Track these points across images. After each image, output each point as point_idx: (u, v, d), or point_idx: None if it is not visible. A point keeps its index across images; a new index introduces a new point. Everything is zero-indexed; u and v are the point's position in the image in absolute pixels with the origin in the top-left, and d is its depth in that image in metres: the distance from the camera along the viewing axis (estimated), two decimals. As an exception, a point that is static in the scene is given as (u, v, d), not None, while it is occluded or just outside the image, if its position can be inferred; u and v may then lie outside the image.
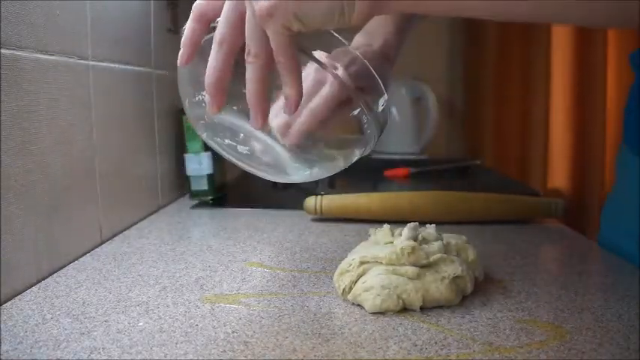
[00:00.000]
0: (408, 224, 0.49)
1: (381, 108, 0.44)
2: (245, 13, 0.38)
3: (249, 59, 0.38)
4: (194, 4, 0.41)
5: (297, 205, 0.77)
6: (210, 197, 0.86)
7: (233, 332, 0.40)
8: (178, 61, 0.43)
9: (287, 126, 0.45)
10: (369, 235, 0.53)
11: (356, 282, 0.45)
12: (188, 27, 0.41)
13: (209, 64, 0.40)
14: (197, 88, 0.43)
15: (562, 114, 1.54)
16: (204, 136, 0.46)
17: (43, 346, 0.37)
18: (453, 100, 1.61)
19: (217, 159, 0.88)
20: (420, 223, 0.50)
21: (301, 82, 0.39)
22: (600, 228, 0.73)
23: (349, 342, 0.38)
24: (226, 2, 0.39)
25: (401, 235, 0.49)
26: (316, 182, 0.85)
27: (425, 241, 0.48)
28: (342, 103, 0.45)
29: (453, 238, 0.50)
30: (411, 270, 0.44)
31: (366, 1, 0.35)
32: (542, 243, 0.68)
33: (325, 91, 0.47)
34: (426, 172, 1.10)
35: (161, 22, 0.83)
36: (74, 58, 0.57)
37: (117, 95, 0.68)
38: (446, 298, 0.44)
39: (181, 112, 0.85)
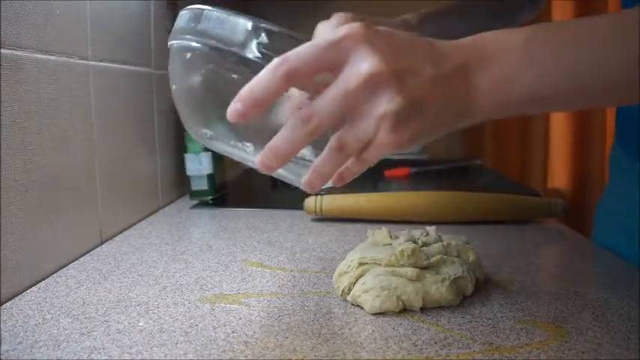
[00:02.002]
0: (407, 231, 0.49)
1: None
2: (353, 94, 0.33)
3: (312, 121, 0.33)
4: (291, 55, 0.32)
5: (297, 205, 0.77)
6: (210, 197, 0.86)
7: (233, 332, 0.40)
8: (236, 114, 0.32)
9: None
10: (367, 237, 0.53)
11: (355, 283, 0.45)
12: (268, 78, 0.32)
13: (286, 131, 0.33)
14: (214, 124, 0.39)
15: (562, 114, 1.54)
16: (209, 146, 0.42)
17: (43, 346, 0.37)
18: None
19: (217, 159, 0.88)
20: (419, 224, 0.50)
21: None
22: (594, 225, 0.73)
23: (349, 342, 0.38)
24: (344, 80, 0.32)
25: (399, 237, 0.49)
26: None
27: (425, 243, 0.48)
28: None
29: (453, 239, 0.50)
30: (410, 271, 0.44)
31: (488, 108, 0.36)
32: (542, 243, 0.68)
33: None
34: (426, 172, 1.10)
35: (161, 22, 0.83)
36: (74, 58, 0.57)
37: (117, 95, 0.68)
38: (446, 300, 0.44)
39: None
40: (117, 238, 0.65)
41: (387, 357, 0.36)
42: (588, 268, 0.56)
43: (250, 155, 0.38)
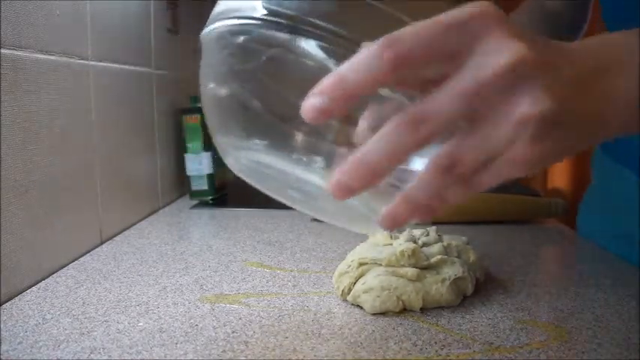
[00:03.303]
0: (407, 231, 0.49)
1: None
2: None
3: (424, 126, 0.25)
4: (401, 36, 0.24)
5: (297, 205, 0.77)
6: (210, 197, 0.86)
7: (233, 332, 0.40)
8: (314, 111, 0.25)
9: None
10: (368, 237, 0.53)
11: (355, 283, 0.45)
12: (368, 64, 0.24)
13: (381, 140, 0.25)
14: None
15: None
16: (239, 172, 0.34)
17: (43, 346, 0.37)
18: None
19: (217, 159, 0.88)
20: (419, 224, 0.50)
21: None
22: (577, 222, 0.74)
23: (349, 342, 0.38)
24: (473, 73, 0.25)
25: (399, 237, 0.49)
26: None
27: (425, 243, 0.48)
28: None
29: (453, 240, 0.50)
30: (411, 271, 0.44)
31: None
32: (542, 243, 0.68)
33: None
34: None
35: (161, 22, 0.83)
36: (74, 58, 0.57)
37: (117, 95, 0.68)
38: (446, 300, 0.44)
39: (181, 112, 0.86)
40: (117, 238, 0.65)
41: (387, 357, 0.36)
42: (588, 268, 0.56)
43: (316, 175, 0.30)
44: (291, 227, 0.72)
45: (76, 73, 0.58)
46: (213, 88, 0.32)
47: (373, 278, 0.44)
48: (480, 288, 0.48)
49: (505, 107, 0.25)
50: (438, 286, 0.44)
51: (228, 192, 0.92)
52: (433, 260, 0.46)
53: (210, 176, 0.85)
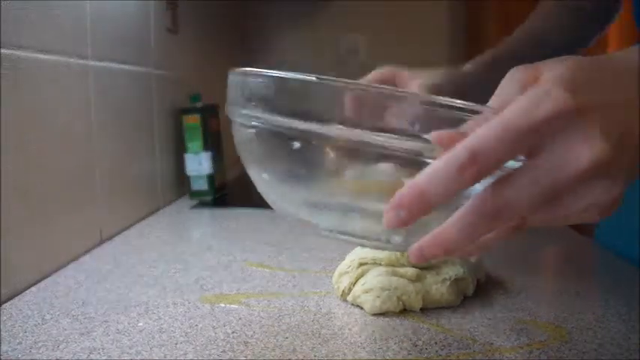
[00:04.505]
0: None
1: None
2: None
3: (502, 215, 0.26)
4: (481, 148, 0.24)
5: (297, 205, 0.76)
6: (210, 197, 0.86)
7: (233, 332, 0.40)
8: (397, 222, 0.26)
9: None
10: None
11: (355, 283, 0.45)
12: (451, 178, 0.24)
13: (464, 223, 0.26)
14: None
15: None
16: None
17: (43, 347, 0.37)
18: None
19: (217, 159, 0.88)
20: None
21: None
22: (597, 225, 0.73)
23: (349, 342, 0.38)
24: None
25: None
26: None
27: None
28: None
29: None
30: (411, 271, 0.44)
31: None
32: (542, 243, 0.68)
33: None
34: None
35: (161, 22, 0.83)
36: (74, 58, 0.57)
37: (117, 95, 0.68)
38: (446, 300, 0.44)
39: (181, 112, 0.85)
40: (117, 238, 0.65)
41: (387, 357, 0.36)
42: (589, 268, 0.56)
43: (398, 240, 0.31)
44: (291, 227, 0.72)
45: (76, 73, 0.58)
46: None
47: (373, 278, 0.44)
48: (480, 288, 0.48)
49: (575, 198, 0.26)
50: (438, 287, 0.44)
51: (228, 192, 0.92)
52: (433, 260, 0.45)
53: (210, 176, 0.85)
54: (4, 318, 0.42)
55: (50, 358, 0.36)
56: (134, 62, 0.74)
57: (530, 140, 0.25)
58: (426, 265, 0.45)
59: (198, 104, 0.86)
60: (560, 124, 0.24)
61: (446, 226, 0.27)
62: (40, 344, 0.37)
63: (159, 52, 0.82)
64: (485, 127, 0.24)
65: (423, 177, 0.25)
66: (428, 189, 0.25)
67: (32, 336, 0.39)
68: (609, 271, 0.55)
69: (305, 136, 0.28)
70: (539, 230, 0.72)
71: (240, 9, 1.49)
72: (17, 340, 0.38)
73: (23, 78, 0.48)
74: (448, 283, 0.44)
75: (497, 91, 0.29)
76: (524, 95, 0.25)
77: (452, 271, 0.45)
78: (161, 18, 0.84)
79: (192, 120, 0.84)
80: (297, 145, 0.29)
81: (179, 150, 0.88)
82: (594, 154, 0.24)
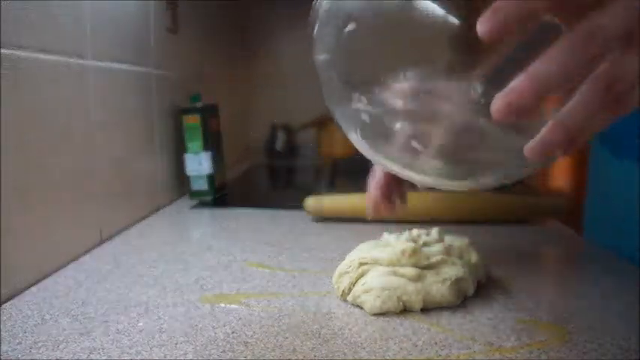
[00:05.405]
0: (410, 231, 0.49)
1: None
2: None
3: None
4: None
5: (297, 205, 0.77)
6: (210, 197, 0.86)
7: (233, 332, 0.40)
8: (507, 112, 0.25)
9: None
10: (383, 237, 0.52)
11: (355, 283, 0.45)
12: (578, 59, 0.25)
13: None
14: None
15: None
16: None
17: (43, 347, 0.37)
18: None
19: (217, 159, 0.88)
20: (420, 224, 0.50)
21: None
22: (585, 225, 0.73)
23: (349, 342, 0.38)
24: None
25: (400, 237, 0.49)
26: (316, 182, 0.85)
27: (425, 243, 0.48)
28: None
29: (456, 241, 0.50)
30: (411, 271, 0.44)
31: None
32: (542, 243, 0.68)
33: None
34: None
35: (161, 22, 0.83)
36: (74, 58, 0.57)
37: (117, 95, 0.68)
38: (447, 300, 0.44)
39: (181, 111, 0.85)
40: (117, 238, 0.65)
41: (387, 357, 0.36)
42: (588, 268, 0.56)
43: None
44: (291, 227, 0.72)
45: (76, 73, 0.58)
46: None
47: (373, 278, 0.44)
48: (480, 288, 0.48)
49: None
50: (438, 287, 0.44)
51: (228, 192, 0.92)
52: (434, 260, 0.45)
53: (210, 176, 0.85)
54: (4, 318, 0.42)
55: (50, 358, 0.36)
56: (134, 62, 0.74)
57: None
58: (426, 265, 0.45)
59: (198, 104, 0.86)
60: None
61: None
62: (39, 344, 0.37)
63: (159, 52, 0.82)
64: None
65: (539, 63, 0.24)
66: (542, 78, 0.24)
67: (32, 336, 0.39)
68: (609, 272, 0.55)
69: None
70: (539, 230, 0.72)
71: (240, 9, 1.49)
72: (17, 340, 0.38)
73: (23, 78, 0.48)
74: (449, 283, 0.44)
75: None
76: None
77: (452, 271, 0.45)
78: (161, 18, 0.84)
79: (192, 120, 0.84)
80: None
81: (179, 150, 0.88)
82: None
